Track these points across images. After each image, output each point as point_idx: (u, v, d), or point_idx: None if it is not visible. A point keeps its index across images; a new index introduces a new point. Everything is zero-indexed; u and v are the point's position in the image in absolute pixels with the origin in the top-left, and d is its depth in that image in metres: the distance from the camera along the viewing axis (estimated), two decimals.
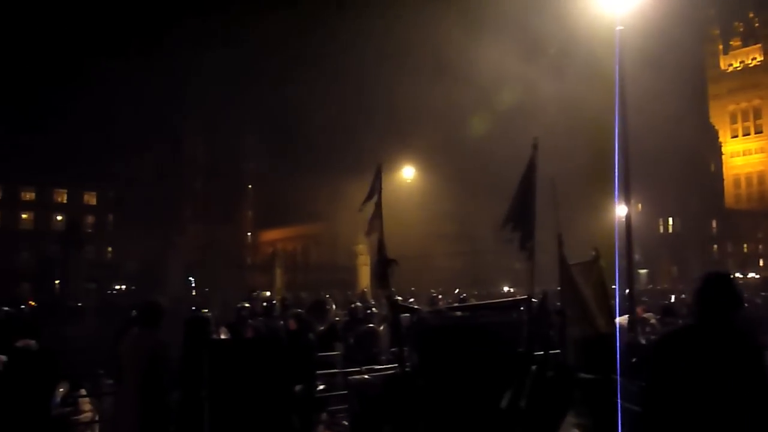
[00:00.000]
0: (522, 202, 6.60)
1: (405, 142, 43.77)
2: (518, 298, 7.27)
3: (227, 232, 75.60)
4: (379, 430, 6.23)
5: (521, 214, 6.56)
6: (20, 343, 7.29)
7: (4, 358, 6.74)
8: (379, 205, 7.14)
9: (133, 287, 48.05)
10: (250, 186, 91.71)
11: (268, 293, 29.63)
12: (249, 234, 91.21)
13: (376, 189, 7.26)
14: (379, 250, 6.99)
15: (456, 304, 11.52)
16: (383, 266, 6.95)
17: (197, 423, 6.12)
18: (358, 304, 13.69)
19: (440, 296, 16.96)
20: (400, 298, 12.45)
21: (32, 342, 7.29)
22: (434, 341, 6.40)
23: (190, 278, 47.65)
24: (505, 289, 32.36)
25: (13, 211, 65.56)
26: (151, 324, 6.87)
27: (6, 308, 12.94)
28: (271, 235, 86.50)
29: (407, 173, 39.24)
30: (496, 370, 6.11)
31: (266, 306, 12.99)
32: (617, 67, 10.77)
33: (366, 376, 7.02)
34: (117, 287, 52.39)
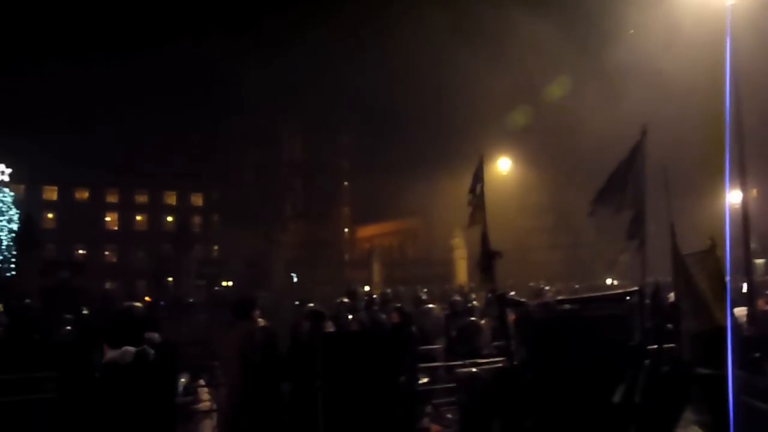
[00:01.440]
0: (631, 189, 6.38)
1: (501, 133, 43.00)
2: (629, 289, 6.99)
3: (325, 229, 77.18)
4: (487, 424, 6.19)
5: (632, 201, 6.35)
6: (145, 336, 7.78)
7: (132, 349, 7.18)
8: (481, 197, 7.09)
9: (239, 284, 50.04)
10: (346, 183, 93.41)
11: (367, 288, 30.09)
12: (346, 230, 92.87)
13: (478, 179, 7.21)
14: (482, 243, 6.95)
15: (564, 297, 11.25)
16: (488, 259, 6.89)
17: (310, 413, 6.31)
18: (458, 297, 13.65)
19: (547, 287, 16.59)
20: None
21: (155, 335, 7.75)
22: (543, 335, 6.30)
23: (293, 274, 49.05)
24: (608, 281, 31.19)
25: (128, 213, 69.52)
26: (244, 315, 7.16)
27: (131, 303, 13.74)
28: (367, 231, 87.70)
29: (503, 165, 38.62)
30: (607, 364, 5.95)
31: (367, 300, 13.20)
32: (728, 45, 10.15)
33: (474, 370, 7.00)
34: (224, 284, 54.70)
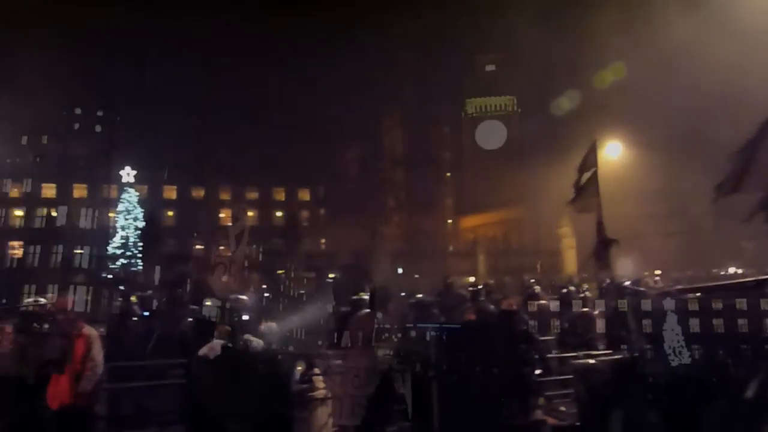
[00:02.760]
0: (761, 169, 5.94)
1: (610, 117, 41.30)
2: (761, 277, 6.52)
3: (428, 220, 77.86)
4: (606, 416, 6.00)
5: (761, 182, 5.90)
6: (263, 326, 8.11)
7: (219, 343, 7.50)
8: (595, 183, 6.86)
9: (346, 276, 51.14)
10: (448, 174, 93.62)
11: (472, 278, 29.86)
12: (449, 221, 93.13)
13: (591, 164, 6.98)
14: (598, 230, 6.72)
15: (684, 286, 10.65)
16: (604, 246, 6.67)
17: (425, 402, 6.33)
18: (571, 288, 13.25)
19: (687, 273, 15.79)
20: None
21: (273, 324, 8.07)
22: (661, 325, 6.02)
23: (397, 267, 49.75)
24: (731, 270, 29.18)
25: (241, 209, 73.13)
26: (377, 306, 7.32)
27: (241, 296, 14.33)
28: (471, 221, 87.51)
29: (612, 150, 37.06)
30: (736, 357, 5.60)
31: (472, 291, 13.05)
32: None
33: (591, 361, 6.79)
34: (331, 276, 56.19)
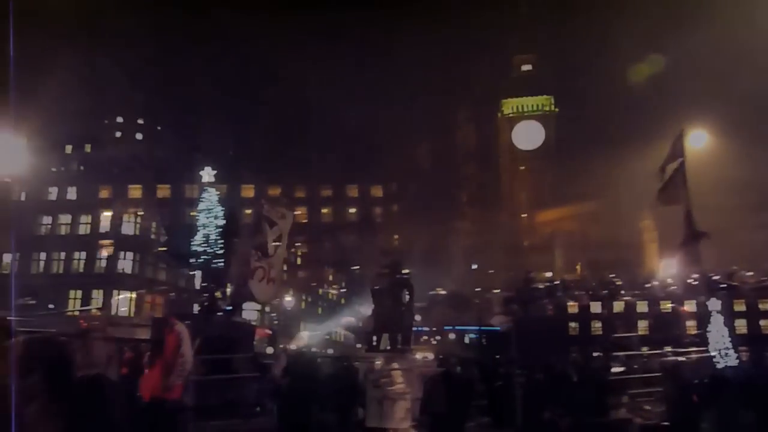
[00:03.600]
0: None
1: (693, 106, 40.22)
2: None
3: (503, 215, 78.38)
4: (698, 414, 5.78)
5: None
6: (302, 330, 8.23)
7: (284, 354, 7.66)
8: (682, 174, 6.63)
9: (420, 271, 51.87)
10: (522, 167, 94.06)
11: (549, 273, 29.46)
12: (524, 215, 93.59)
13: (677, 154, 6.76)
14: (687, 223, 6.49)
15: None
16: (693, 239, 6.43)
17: (507, 395, 6.27)
18: (654, 283, 12.88)
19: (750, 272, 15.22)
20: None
21: (352, 319, 8.23)
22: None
23: (472, 261, 50.17)
24: None
25: (315, 207, 75.57)
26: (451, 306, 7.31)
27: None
28: (547, 215, 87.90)
29: (697, 140, 35.90)
30: None
31: (549, 286, 12.85)
32: None
33: (681, 359, 6.57)
34: (405, 272, 56.86)
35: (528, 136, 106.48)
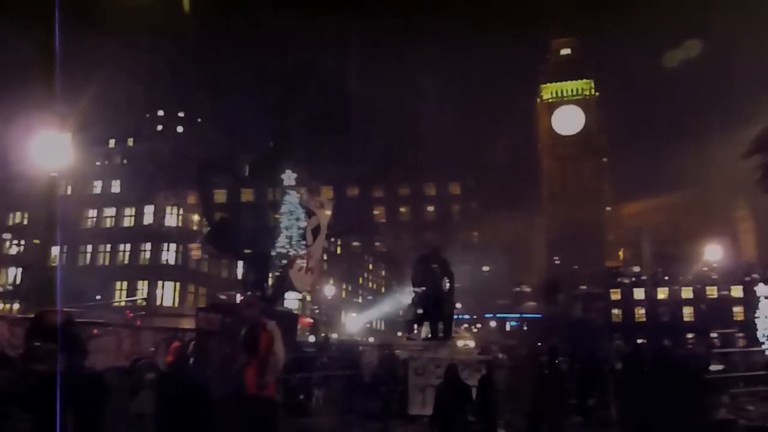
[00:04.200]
0: None
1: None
2: None
3: (585, 209, 77.87)
4: None
5: None
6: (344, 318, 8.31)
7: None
8: None
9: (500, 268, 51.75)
10: (605, 159, 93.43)
11: (637, 268, 28.92)
12: (608, 208, 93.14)
13: None
14: None
15: None
16: None
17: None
18: (754, 275, 12.53)
19: None
20: None
21: (354, 316, 8.28)
22: None
23: (555, 257, 50.07)
24: None
25: (393, 206, 75.48)
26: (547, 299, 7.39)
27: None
28: (632, 207, 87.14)
29: None
30: None
31: (633, 281, 12.65)
32: None
33: None
34: (485, 268, 56.88)
35: (568, 121, 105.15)
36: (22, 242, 52.76)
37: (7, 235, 55.70)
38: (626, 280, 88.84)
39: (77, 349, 3.25)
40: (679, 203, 73.98)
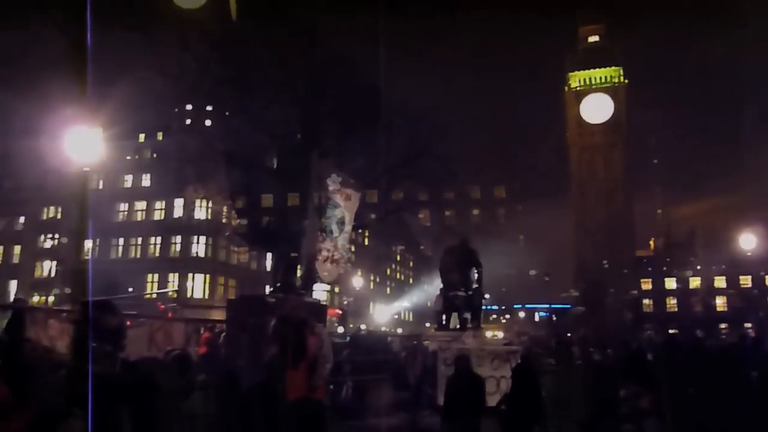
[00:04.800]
0: None
1: None
2: None
3: (616, 197, 77.27)
4: None
5: None
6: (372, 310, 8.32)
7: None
8: None
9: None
10: (655, 161, 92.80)
11: (668, 258, 28.66)
12: (659, 211, 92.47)
13: None
14: None
15: None
16: None
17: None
18: None
19: None
20: None
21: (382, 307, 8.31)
22: None
23: (584, 246, 50.07)
24: None
25: (438, 210, 75.96)
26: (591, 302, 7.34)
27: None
28: (685, 210, 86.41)
29: None
30: None
31: (665, 270, 12.50)
32: None
33: None
34: (531, 272, 56.82)
35: (597, 109, 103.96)
36: (57, 236, 53.78)
37: (42, 230, 56.97)
38: (657, 270, 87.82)
39: (121, 344, 3.31)
40: (712, 191, 73.13)
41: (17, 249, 58.65)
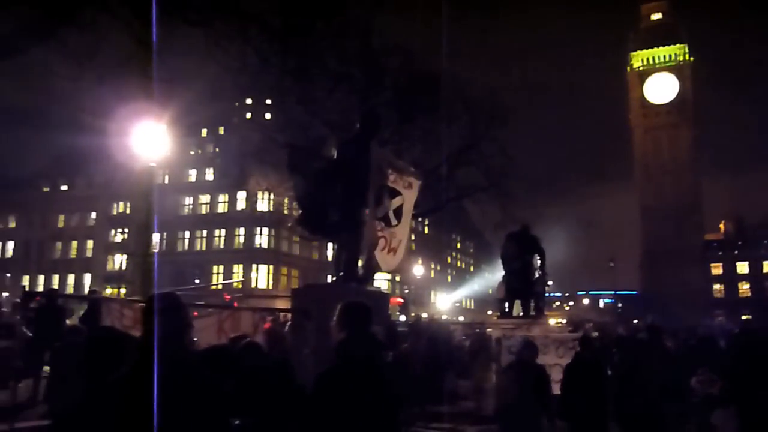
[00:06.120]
0: None
1: None
2: None
3: (682, 180, 75.59)
4: None
5: None
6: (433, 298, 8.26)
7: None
8: None
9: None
10: (724, 141, 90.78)
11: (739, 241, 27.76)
12: (729, 193, 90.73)
13: None
14: None
15: None
16: None
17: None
18: None
19: None
20: None
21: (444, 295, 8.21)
22: None
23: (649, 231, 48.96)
24: None
25: (499, 196, 77.33)
26: None
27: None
28: (757, 192, 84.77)
29: None
30: None
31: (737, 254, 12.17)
32: None
33: None
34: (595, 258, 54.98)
35: (661, 89, 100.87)
36: (126, 230, 55.66)
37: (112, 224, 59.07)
38: (728, 254, 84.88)
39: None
40: None
41: (90, 243, 61.08)
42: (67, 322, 11.00)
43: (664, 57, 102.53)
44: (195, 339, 6.16)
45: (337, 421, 3.00)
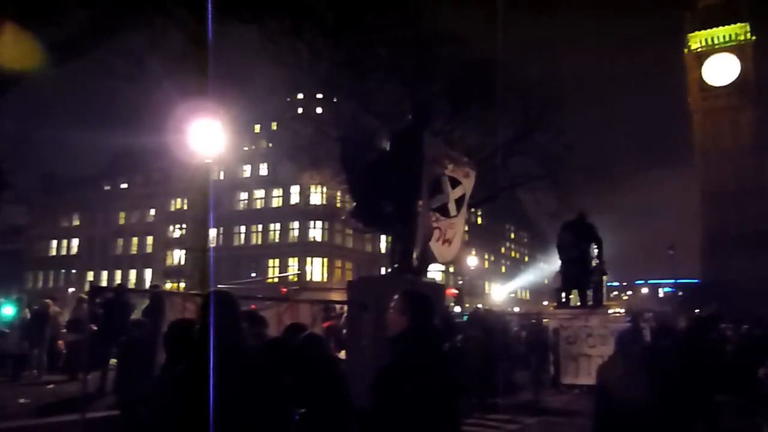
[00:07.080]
0: None
1: None
2: None
3: (745, 164, 73.49)
4: None
5: None
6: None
7: None
8: None
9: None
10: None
11: None
12: None
13: None
14: None
15: None
16: None
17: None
18: None
19: None
20: None
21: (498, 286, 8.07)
22: None
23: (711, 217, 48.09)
24: None
25: (554, 185, 77.15)
26: None
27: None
28: None
29: None
30: None
31: None
32: None
33: None
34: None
35: (721, 70, 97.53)
36: (184, 226, 56.93)
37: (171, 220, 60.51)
38: None
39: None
40: None
41: (150, 239, 62.74)
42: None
43: (724, 37, 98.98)
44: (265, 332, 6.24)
45: (401, 412, 2.99)
